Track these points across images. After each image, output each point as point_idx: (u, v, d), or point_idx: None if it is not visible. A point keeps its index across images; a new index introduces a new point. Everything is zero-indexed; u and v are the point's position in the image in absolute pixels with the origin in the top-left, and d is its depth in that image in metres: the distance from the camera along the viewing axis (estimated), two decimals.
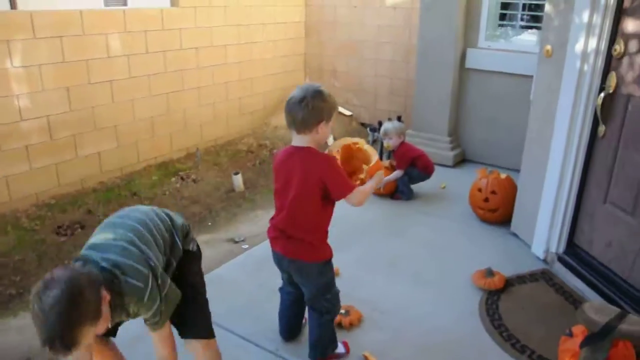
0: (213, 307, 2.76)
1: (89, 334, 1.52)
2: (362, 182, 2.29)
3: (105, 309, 1.58)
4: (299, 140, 2.14)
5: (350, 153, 2.44)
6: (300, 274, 2.35)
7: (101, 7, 8.86)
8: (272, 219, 2.35)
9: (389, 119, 6.18)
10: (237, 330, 2.63)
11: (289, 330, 2.61)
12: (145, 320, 1.82)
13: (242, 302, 2.84)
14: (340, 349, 2.49)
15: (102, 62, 4.92)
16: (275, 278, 3.06)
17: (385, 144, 4.28)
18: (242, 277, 3.09)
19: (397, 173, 4.24)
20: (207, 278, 3.04)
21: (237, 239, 4.09)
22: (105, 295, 1.58)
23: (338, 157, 2.31)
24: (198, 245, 2.24)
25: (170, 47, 5.39)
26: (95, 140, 5.00)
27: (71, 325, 1.46)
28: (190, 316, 2.06)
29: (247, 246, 3.87)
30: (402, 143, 4.26)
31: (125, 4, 9.85)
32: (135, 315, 1.78)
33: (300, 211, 2.19)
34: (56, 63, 4.57)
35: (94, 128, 4.97)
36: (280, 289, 2.61)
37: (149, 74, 5.26)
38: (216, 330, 2.63)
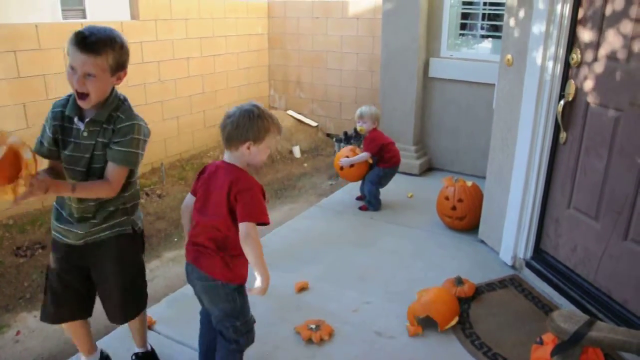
0: (178, 326, 2.70)
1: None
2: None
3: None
4: (227, 156, 2.04)
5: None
6: (207, 292, 2.10)
7: (59, 20, 8.65)
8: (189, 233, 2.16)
9: (354, 129, 6.20)
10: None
11: (205, 356, 2.32)
12: (112, 145, 1.94)
13: None
14: None
15: (60, 77, 4.79)
16: None
17: (358, 128, 4.22)
18: None
19: (364, 155, 4.19)
20: (172, 297, 2.99)
21: None
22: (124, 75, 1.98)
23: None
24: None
25: (132, 61, 5.24)
26: None
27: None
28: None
29: None
30: (374, 129, 4.22)
31: (84, 16, 9.66)
32: (112, 134, 1.94)
33: (215, 224, 2.00)
34: (10, 79, 4.43)
35: None
36: (200, 311, 2.34)
37: None
38: (182, 349, 2.57)
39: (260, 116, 1.99)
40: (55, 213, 2.11)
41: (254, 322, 2.18)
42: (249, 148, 1.98)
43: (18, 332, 3.14)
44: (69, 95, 2.01)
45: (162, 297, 3.07)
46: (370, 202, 4.27)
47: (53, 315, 2.18)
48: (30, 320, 3.28)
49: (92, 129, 1.97)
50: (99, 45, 1.84)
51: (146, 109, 5.63)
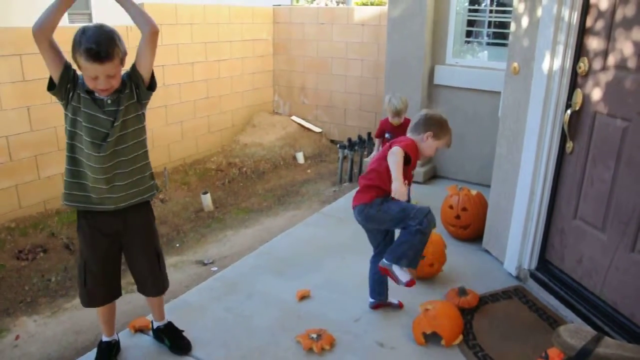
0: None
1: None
2: None
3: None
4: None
5: None
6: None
7: (65, 24, 8.68)
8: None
9: (359, 137, 6.18)
10: (204, 358, 2.53)
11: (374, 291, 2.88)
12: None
13: (209, 327, 2.74)
14: (406, 276, 2.50)
15: None
16: (244, 302, 2.98)
17: (396, 122, 4.06)
18: (210, 301, 2.99)
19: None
20: (173, 304, 2.96)
21: (206, 261, 3.99)
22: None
23: None
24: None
25: None
26: (58, 161, 4.85)
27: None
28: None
29: (216, 268, 3.77)
30: (405, 118, 4.10)
31: (90, 20, 9.68)
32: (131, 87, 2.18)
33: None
34: (15, 82, 4.44)
35: (56, 148, 4.83)
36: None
37: None
38: (183, 358, 2.54)
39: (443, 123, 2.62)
40: (78, 187, 2.20)
41: (428, 208, 2.49)
42: (427, 139, 2.57)
43: (17, 337, 3.12)
44: None
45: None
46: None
47: (97, 298, 2.37)
48: (30, 325, 3.25)
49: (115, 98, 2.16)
50: (109, 52, 2.00)
51: (150, 113, 5.59)
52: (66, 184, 2.21)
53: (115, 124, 2.14)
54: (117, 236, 2.31)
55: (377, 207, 2.52)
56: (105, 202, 2.21)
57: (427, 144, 2.60)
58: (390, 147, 2.52)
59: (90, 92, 2.11)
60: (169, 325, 2.64)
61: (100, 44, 1.97)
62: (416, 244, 2.47)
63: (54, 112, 4.73)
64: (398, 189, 2.32)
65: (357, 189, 2.64)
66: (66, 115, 2.14)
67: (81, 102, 2.10)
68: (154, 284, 2.46)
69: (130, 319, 2.91)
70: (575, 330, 1.76)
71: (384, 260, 2.53)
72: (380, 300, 2.91)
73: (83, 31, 2.00)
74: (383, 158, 2.51)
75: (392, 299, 2.94)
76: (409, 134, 2.65)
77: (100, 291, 2.36)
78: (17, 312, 3.42)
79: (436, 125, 2.59)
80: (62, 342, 3.04)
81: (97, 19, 9.57)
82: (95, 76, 2.02)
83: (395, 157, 2.41)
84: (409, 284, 2.51)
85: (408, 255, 2.47)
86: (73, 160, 2.18)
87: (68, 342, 3.05)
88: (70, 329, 3.17)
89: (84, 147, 2.13)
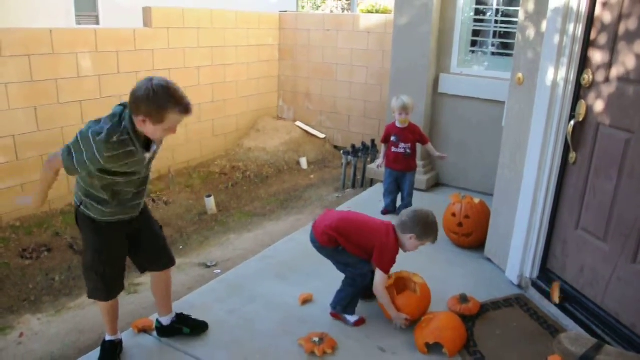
0: (179, 336, 2.69)
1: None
2: None
3: None
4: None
5: None
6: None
7: (73, 26, 8.74)
8: None
9: (362, 143, 6.21)
10: (205, 359, 2.55)
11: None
12: None
13: (211, 329, 2.76)
14: (353, 318, 2.87)
15: (72, 81, 4.84)
16: (247, 305, 3.00)
17: (401, 119, 4.12)
18: (213, 303, 3.01)
19: (431, 147, 4.34)
20: (176, 305, 2.98)
21: (209, 264, 4.01)
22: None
23: None
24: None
25: (143, 68, 5.33)
26: None
27: None
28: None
29: (219, 271, 3.80)
30: (410, 123, 4.21)
31: (97, 22, 9.74)
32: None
33: None
34: (23, 82, 4.48)
35: None
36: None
37: (121, 95, 5.18)
38: (182, 357, 2.56)
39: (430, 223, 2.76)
40: (104, 206, 2.31)
41: (370, 269, 2.80)
42: (410, 239, 2.75)
43: (21, 334, 3.14)
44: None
45: None
46: (410, 206, 4.29)
47: (110, 292, 2.46)
48: (33, 323, 3.27)
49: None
50: None
51: None
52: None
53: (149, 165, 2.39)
54: (131, 226, 2.43)
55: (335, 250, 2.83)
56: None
57: (410, 242, 2.75)
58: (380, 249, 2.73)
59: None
60: (180, 315, 2.73)
61: (185, 96, 2.14)
62: (349, 294, 2.85)
63: (60, 112, 4.77)
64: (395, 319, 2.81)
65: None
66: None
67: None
68: (167, 254, 2.59)
69: (133, 319, 2.93)
70: (576, 338, 1.77)
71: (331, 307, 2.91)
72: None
73: (168, 86, 2.08)
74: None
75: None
76: (396, 226, 2.79)
77: (118, 281, 2.47)
78: (22, 310, 3.44)
79: (421, 228, 2.71)
80: (65, 341, 3.06)
81: (104, 22, 9.64)
82: (173, 127, 2.15)
83: (384, 299, 2.78)
84: (357, 323, 2.85)
85: (342, 303, 2.86)
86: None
87: (71, 341, 3.07)
88: (74, 328, 3.19)
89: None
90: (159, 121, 2.07)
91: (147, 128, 2.10)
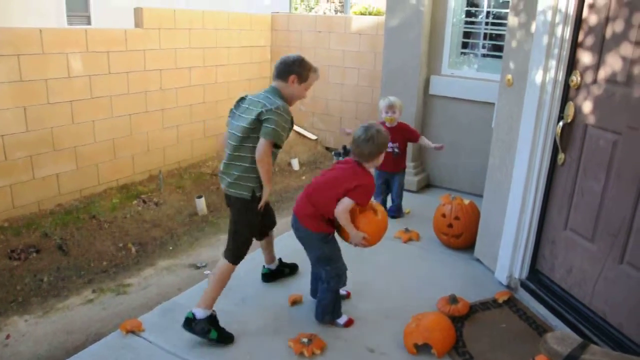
0: (170, 336, 2.67)
1: None
2: None
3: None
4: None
5: None
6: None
7: (64, 26, 8.70)
8: None
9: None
10: None
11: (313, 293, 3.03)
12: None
13: None
14: (343, 319, 2.86)
15: (62, 82, 4.81)
16: (237, 305, 2.99)
17: (388, 118, 4.09)
18: None
19: (425, 141, 4.31)
20: (164, 306, 2.97)
21: (198, 265, 4.00)
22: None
23: None
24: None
25: (134, 68, 5.31)
26: (53, 162, 4.86)
27: None
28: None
29: (208, 272, 3.79)
30: (399, 123, 4.19)
31: (89, 23, 9.70)
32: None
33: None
34: (12, 82, 4.45)
35: (52, 149, 4.83)
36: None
37: (111, 95, 5.16)
38: (172, 359, 2.55)
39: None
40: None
41: (346, 269, 2.79)
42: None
43: (8, 336, 3.12)
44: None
45: (155, 305, 3.06)
46: (400, 208, 4.30)
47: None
48: (21, 324, 3.25)
49: None
50: None
51: (146, 117, 5.64)
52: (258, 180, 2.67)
53: None
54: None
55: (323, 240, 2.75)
56: None
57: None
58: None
59: None
60: (214, 316, 2.70)
61: None
62: (331, 300, 2.81)
63: (50, 112, 4.74)
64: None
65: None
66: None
67: None
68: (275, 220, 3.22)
69: (121, 320, 2.92)
70: (561, 337, 1.78)
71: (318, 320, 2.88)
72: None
73: (303, 58, 2.76)
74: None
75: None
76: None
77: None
78: (9, 312, 3.41)
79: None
80: (52, 342, 3.04)
81: (95, 23, 9.61)
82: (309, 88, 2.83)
83: (344, 219, 2.64)
84: (347, 324, 2.85)
85: (327, 311, 2.83)
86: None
87: (59, 342, 3.05)
88: (62, 329, 3.17)
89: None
90: (304, 80, 2.72)
91: (294, 87, 2.71)
